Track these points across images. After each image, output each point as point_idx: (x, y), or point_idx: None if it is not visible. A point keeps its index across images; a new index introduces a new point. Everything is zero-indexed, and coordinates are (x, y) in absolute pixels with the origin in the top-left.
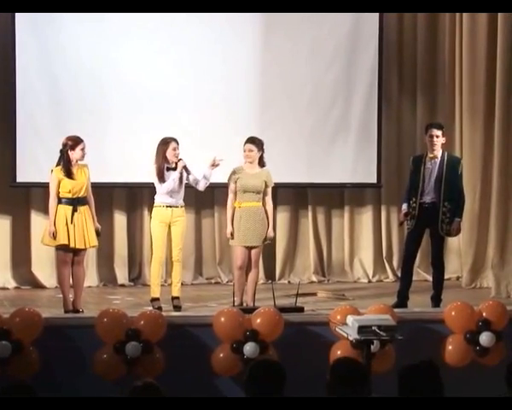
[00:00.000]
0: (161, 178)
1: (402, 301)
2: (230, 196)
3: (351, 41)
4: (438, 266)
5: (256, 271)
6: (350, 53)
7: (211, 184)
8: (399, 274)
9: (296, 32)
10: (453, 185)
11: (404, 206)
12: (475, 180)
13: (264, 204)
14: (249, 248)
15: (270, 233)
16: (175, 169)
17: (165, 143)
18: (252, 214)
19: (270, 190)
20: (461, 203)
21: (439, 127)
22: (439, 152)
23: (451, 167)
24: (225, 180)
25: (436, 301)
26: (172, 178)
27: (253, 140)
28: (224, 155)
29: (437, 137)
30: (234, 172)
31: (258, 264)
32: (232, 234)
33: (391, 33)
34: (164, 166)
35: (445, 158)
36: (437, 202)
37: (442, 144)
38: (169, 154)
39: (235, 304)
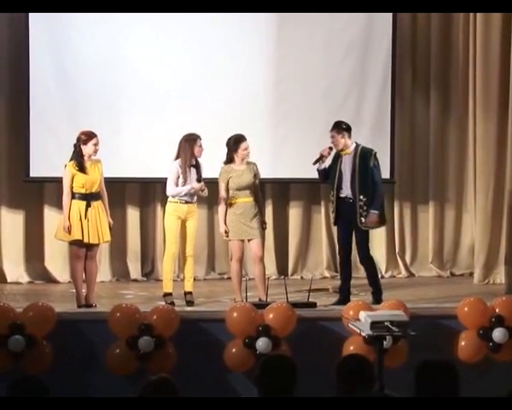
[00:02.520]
0: (186, 176)
1: (345, 296)
2: (222, 195)
3: (364, 36)
4: (366, 262)
5: (262, 265)
6: (363, 48)
7: None
8: (412, 270)
9: (310, 26)
10: (366, 178)
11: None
12: (489, 176)
13: (255, 197)
14: (248, 242)
15: (264, 221)
16: (195, 166)
17: (192, 139)
18: (247, 210)
19: (258, 181)
20: (375, 195)
21: (332, 128)
22: (348, 148)
23: (363, 160)
24: None
25: (376, 297)
26: (188, 188)
27: (245, 138)
28: None
29: (332, 137)
30: (225, 172)
31: (262, 258)
32: (227, 232)
33: (404, 28)
34: (190, 163)
35: (358, 152)
36: (353, 196)
37: (342, 141)
38: (196, 150)
39: (237, 300)
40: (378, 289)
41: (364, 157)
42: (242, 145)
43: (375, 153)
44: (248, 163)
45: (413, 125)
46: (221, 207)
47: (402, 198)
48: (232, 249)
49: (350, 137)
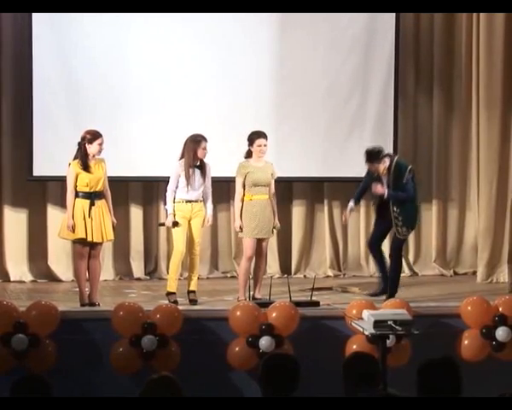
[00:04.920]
0: (188, 177)
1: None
2: (239, 190)
3: (368, 34)
4: (393, 255)
5: (264, 262)
6: (367, 46)
7: (226, 178)
8: (415, 269)
9: (313, 24)
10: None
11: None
12: (492, 174)
13: (270, 196)
14: (259, 240)
15: (278, 223)
16: (199, 167)
17: (196, 141)
18: (263, 207)
19: (273, 182)
20: (401, 194)
21: (370, 161)
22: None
23: (398, 175)
24: None
25: (380, 290)
26: (168, 210)
27: (265, 135)
28: (241, 148)
29: (371, 169)
30: (242, 167)
31: (265, 256)
32: (241, 227)
33: (408, 26)
34: (193, 163)
35: (392, 167)
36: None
37: (382, 166)
38: (200, 153)
39: (240, 298)
40: (390, 286)
41: (399, 173)
42: (257, 141)
43: (411, 168)
44: (266, 162)
45: (416, 124)
46: (237, 203)
47: None
48: (244, 246)
49: (385, 157)
